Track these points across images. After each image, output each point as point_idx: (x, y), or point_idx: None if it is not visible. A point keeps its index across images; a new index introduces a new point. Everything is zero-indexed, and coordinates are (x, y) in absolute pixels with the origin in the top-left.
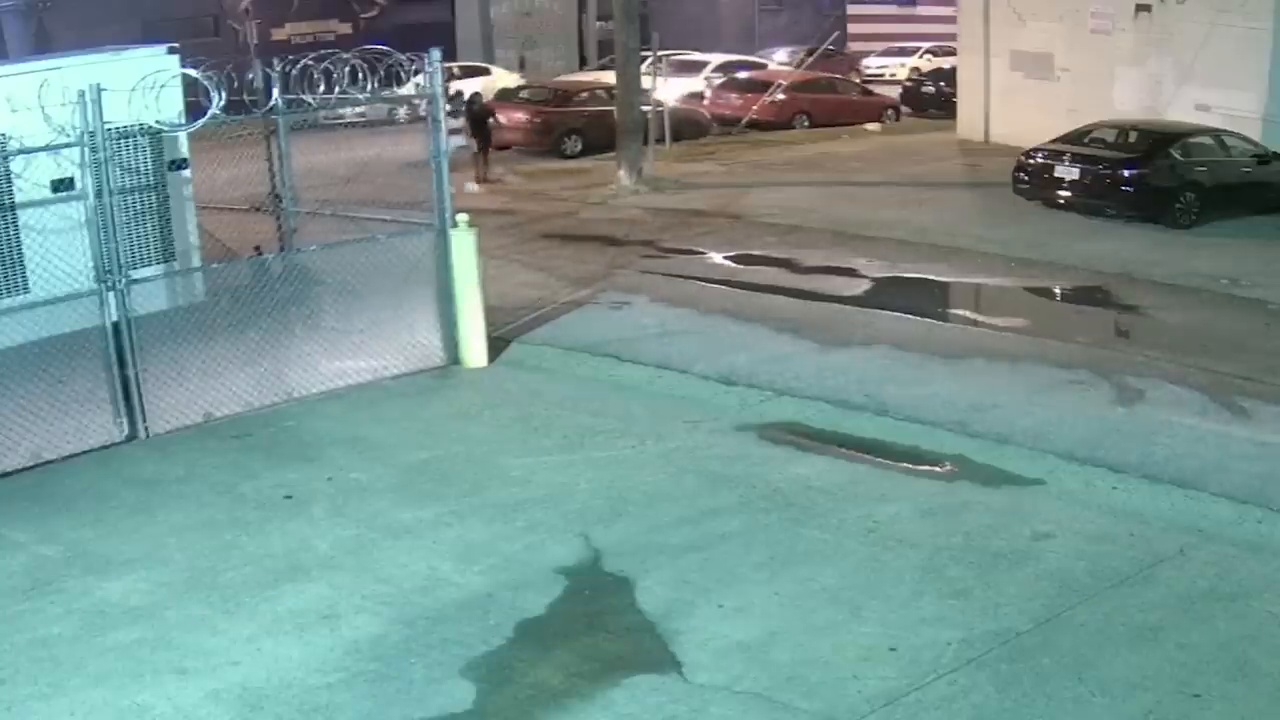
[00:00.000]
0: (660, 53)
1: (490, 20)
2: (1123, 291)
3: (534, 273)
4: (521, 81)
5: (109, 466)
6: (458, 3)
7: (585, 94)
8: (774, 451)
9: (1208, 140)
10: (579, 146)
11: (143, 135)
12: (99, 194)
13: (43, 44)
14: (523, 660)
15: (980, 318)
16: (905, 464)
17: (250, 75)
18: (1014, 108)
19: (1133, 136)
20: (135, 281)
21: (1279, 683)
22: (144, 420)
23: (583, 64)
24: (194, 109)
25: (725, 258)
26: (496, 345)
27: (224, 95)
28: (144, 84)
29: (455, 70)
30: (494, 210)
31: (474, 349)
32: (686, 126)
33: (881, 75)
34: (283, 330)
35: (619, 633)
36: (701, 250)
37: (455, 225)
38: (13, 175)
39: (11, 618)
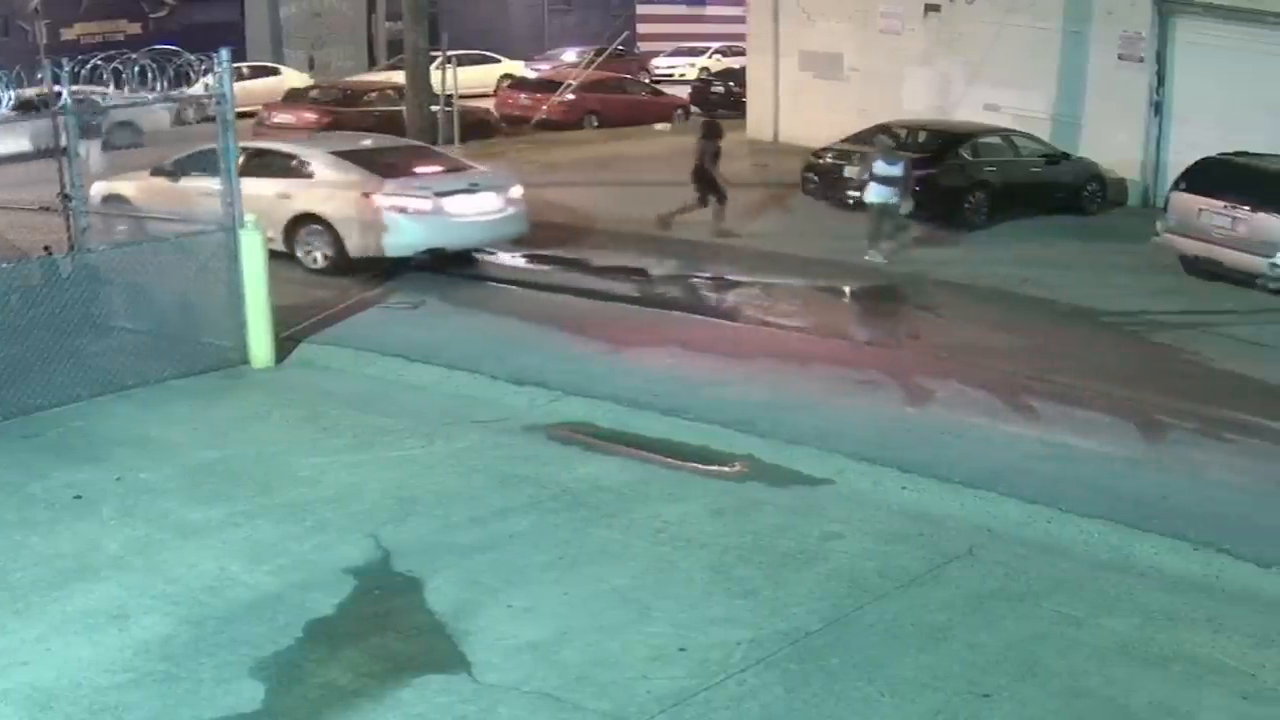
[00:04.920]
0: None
1: (280, 21)
2: (913, 291)
3: (322, 273)
4: (311, 82)
5: None
6: (247, 3)
7: (375, 94)
8: (563, 451)
9: (997, 140)
10: None
11: None
12: None
13: None
14: (312, 660)
15: (770, 318)
16: (695, 464)
17: (39, 75)
18: (803, 108)
19: (922, 136)
20: None
21: (1068, 682)
22: None
23: (372, 64)
24: None
25: (515, 258)
26: (286, 345)
27: (13, 95)
28: None
29: (245, 70)
30: None
31: (263, 349)
32: (476, 127)
33: (671, 75)
34: (72, 330)
35: (408, 633)
36: (491, 251)
37: (244, 226)
38: None
39: None
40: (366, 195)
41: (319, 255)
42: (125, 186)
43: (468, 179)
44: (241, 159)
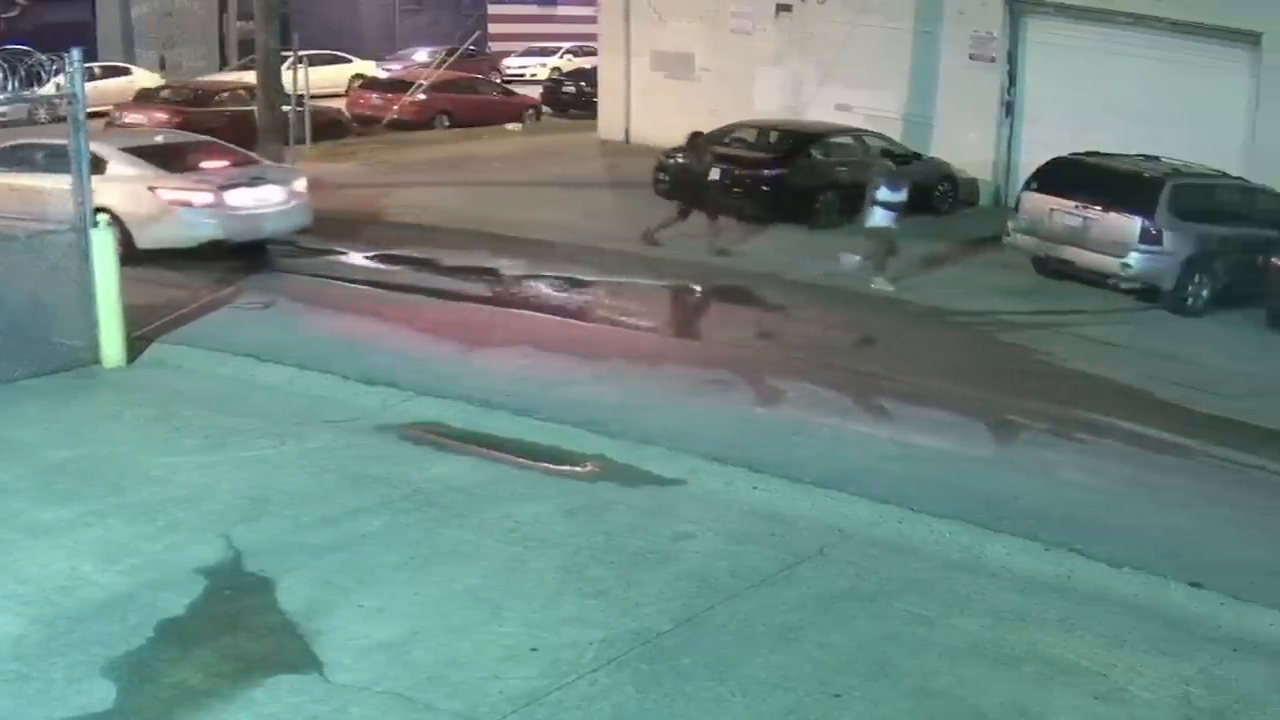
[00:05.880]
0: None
1: (131, 20)
2: (765, 292)
3: (173, 272)
4: (163, 82)
5: None
6: (98, 3)
7: (226, 94)
8: (415, 451)
9: (848, 140)
10: None
11: None
12: None
13: None
14: (164, 660)
15: (622, 318)
16: (547, 464)
17: None
18: (655, 108)
19: (773, 137)
20: None
21: (919, 682)
22: None
23: (224, 64)
24: None
25: (366, 258)
26: (138, 345)
27: None
28: None
29: (97, 70)
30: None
31: (115, 349)
32: (328, 127)
33: (522, 75)
34: None
35: (260, 633)
36: (342, 250)
37: (95, 225)
38: None
39: None
40: (151, 189)
41: None
42: None
43: (251, 172)
44: (41, 155)
